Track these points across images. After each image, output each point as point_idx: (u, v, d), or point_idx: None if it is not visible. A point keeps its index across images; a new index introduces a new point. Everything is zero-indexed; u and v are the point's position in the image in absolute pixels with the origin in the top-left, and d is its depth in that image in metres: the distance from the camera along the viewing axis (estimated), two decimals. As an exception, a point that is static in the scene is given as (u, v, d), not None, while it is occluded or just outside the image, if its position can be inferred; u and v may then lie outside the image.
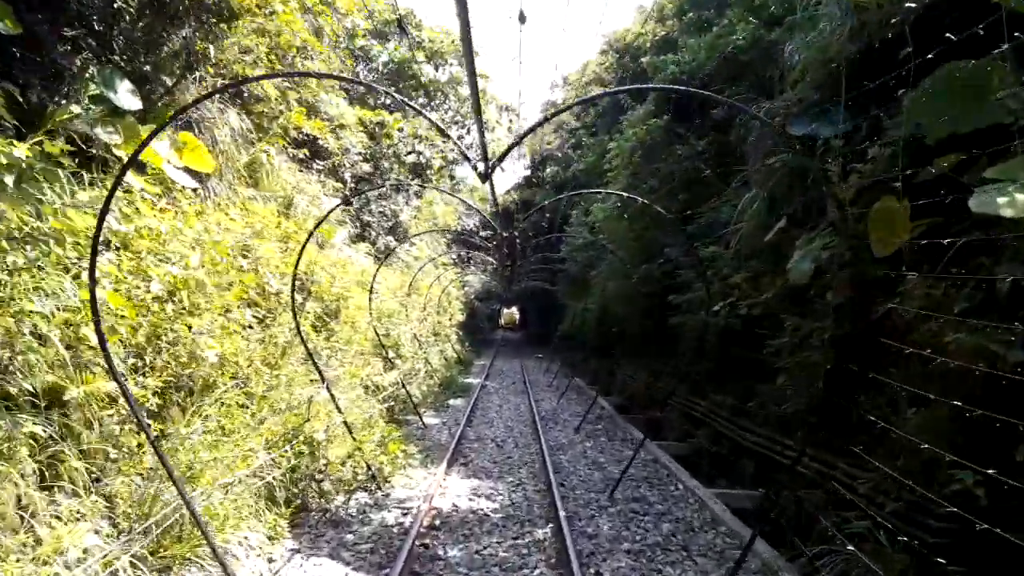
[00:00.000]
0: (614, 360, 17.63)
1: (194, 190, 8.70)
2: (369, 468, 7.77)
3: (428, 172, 21.14)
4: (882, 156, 6.37)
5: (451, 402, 15.32)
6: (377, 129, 18.45)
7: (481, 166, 5.15)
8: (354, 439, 7.72)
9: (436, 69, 21.39)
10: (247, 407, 6.96)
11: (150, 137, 3.88)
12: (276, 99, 13.10)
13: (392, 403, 11.63)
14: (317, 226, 7.89)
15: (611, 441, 11.49)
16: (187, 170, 8.82)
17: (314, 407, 7.88)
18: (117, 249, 5.82)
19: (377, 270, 12.22)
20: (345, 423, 7.68)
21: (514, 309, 75.89)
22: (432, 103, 22.12)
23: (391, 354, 12.17)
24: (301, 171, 14.27)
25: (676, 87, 11.13)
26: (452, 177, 22.93)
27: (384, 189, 18.25)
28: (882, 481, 5.86)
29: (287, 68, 13.15)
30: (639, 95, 15.59)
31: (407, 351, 14.16)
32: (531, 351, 37.77)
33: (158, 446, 4.26)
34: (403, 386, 11.96)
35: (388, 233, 20.00)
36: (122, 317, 5.03)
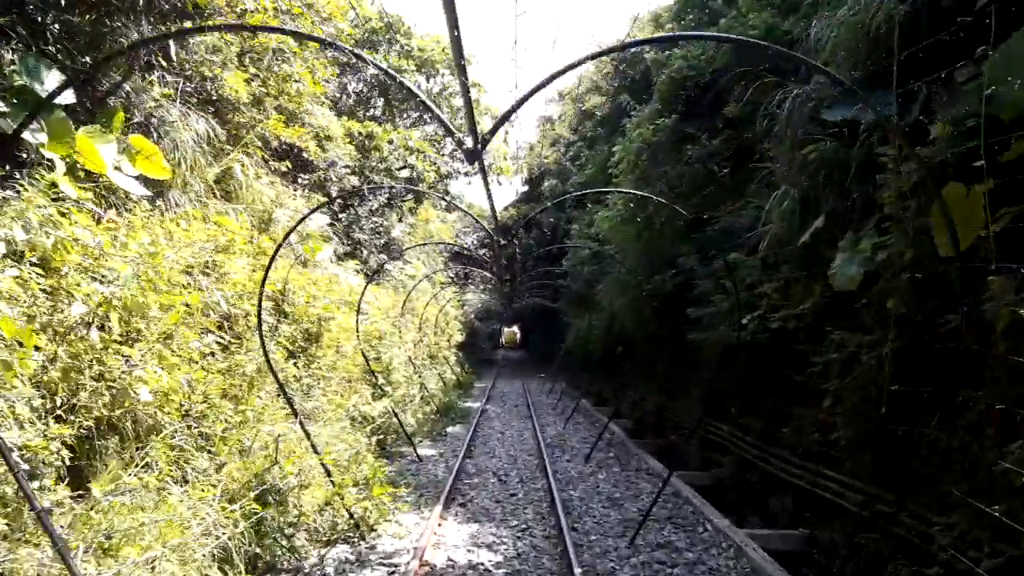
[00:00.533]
0: (622, 379, 16.56)
1: (152, 201, 7.74)
2: (351, 516, 6.68)
3: (421, 186, 20.19)
4: (945, 135, 5.34)
5: (450, 430, 14.22)
6: (366, 142, 17.54)
7: (469, 141, 4.14)
8: (333, 483, 6.64)
9: (427, 79, 20.55)
10: (207, 450, 5.92)
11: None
12: (250, 103, 12.18)
13: (383, 435, 10.56)
14: (287, 236, 6.90)
15: (625, 471, 10.40)
16: (143, 179, 7.90)
17: (286, 446, 6.82)
18: (33, 264, 4.79)
19: (365, 288, 11.19)
20: (323, 464, 6.61)
21: (515, 328, 74.75)
22: (424, 116, 21.24)
23: (381, 380, 11.09)
24: (284, 185, 13.32)
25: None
26: (447, 192, 22.00)
27: (375, 195, 17.26)
28: (971, 528, 4.80)
29: (263, 73, 12.26)
30: (644, 92, 14.67)
31: (400, 376, 13.10)
32: (533, 370, 36.61)
33: (44, 516, 3.22)
34: (395, 415, 10.89)
35: (381, 251, 19.02)
36: (20, 346, 3.99)
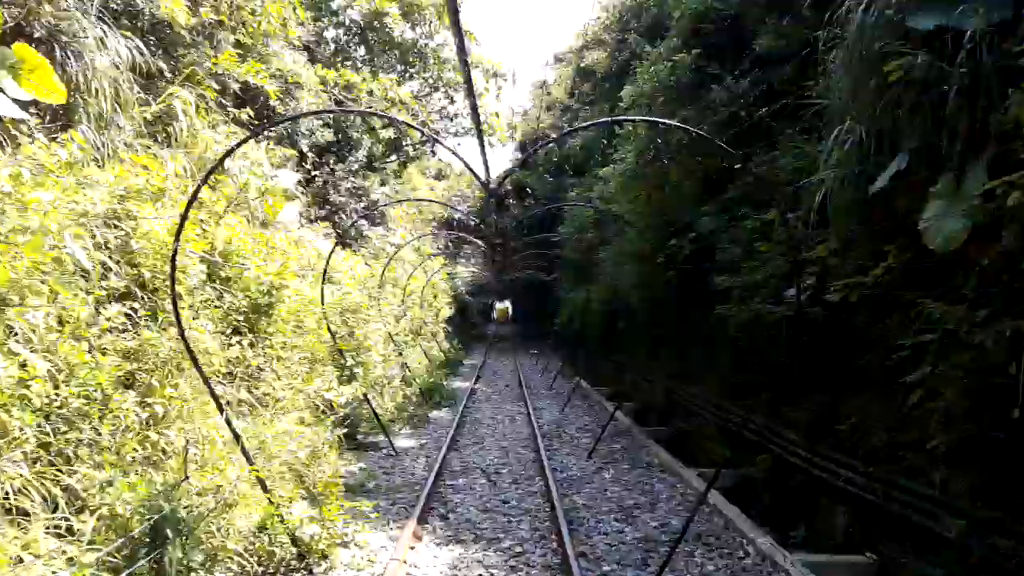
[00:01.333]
0: (624, 359, 15.09)
1: (54, 138, 6.10)
2: (295, 542, 5.15)
3: (407, 147, 18.49)
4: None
5: (434, 415, 12.72)
6: (344, 95, 15.76)
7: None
8: (271, 500, 5.10)
9: (413, 28, 18.69)
10: (91, 462, 4.36)
11: None
12: (201, 36, 10.46)
13: (351, 425, 9.03)
14: (211, 172, 5.27)
15: (635, 468, 8.93)
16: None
17: (212, 452, 5.27)
18: None
19: (331, 252, 9.57)
20: (258, 478, 5.06)
21: (507, 303, 73.31)
22: (410, 70, 19.41)
23: (351, 360, 9.52)
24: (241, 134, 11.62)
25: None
26: (434, 153, 20.28)
27: (353, 152, 15.56)
28: None
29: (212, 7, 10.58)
30: (657, 32, 12.97)
31: (377, 355, 11.53)
32: (525, 346, 35.18)
33: None
34: (367, 401, 9.35)
35: (362, 217, 17.34)
36: None
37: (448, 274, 32.01)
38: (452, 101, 20.13)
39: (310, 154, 14.08)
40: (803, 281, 6.68)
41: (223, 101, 11.31)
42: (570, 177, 25.84)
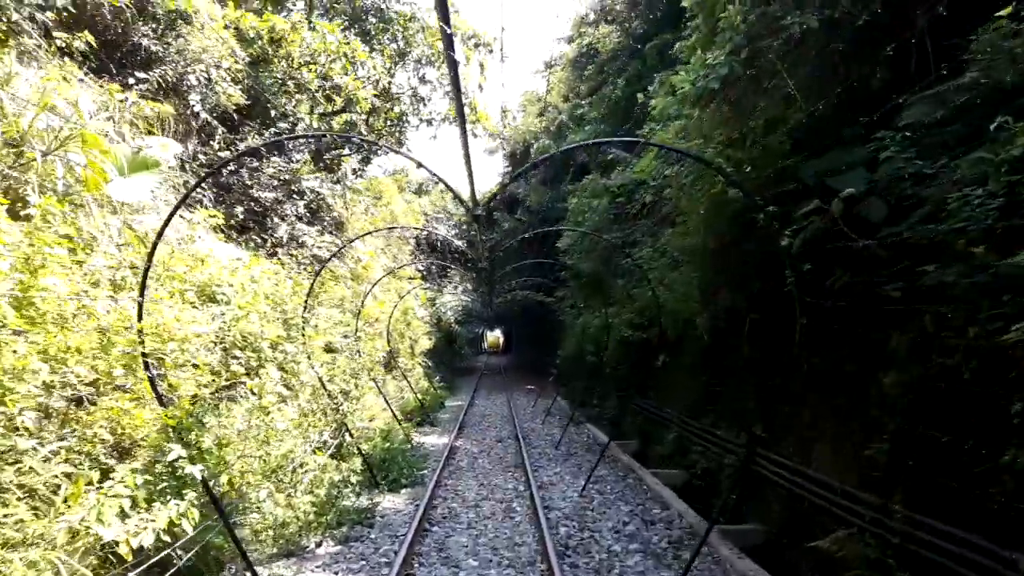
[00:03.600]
0: (675, 410, 10.78)
1: None
2: None
3: (362, 120, 14.28)
4: None
5: (385, 505, 8.27)
6: (270, 50, 11.58)
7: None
8: None
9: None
10: None
11: None
12: None
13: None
14: None
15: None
16: None
17: None
18: None
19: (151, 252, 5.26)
20: None
21: (498, 332, 68.91)
22: (374, 39, 15.27)
23: (179, 453, 5.07)
24: (84, 78, 7.39)
25: None
26: (400, 142, 15.99)
27: (277, 129, 11.23)
28: None
29: None
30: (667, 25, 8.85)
31: (285, 420, 7.14)
32: (519, 380, 30.73)
33: None
34: (226, 524, 4.91)
35: (307, 222, 13.07)
36: None
37: (428, 299, 27.70)
38: (423, 80, 15.99)
39: (208, 118, 9.82)
40: None
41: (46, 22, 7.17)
42: (571, 182, 21.82)
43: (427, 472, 9.98)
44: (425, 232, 32.53)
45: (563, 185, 23.35)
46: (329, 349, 11.50)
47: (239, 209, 11.54)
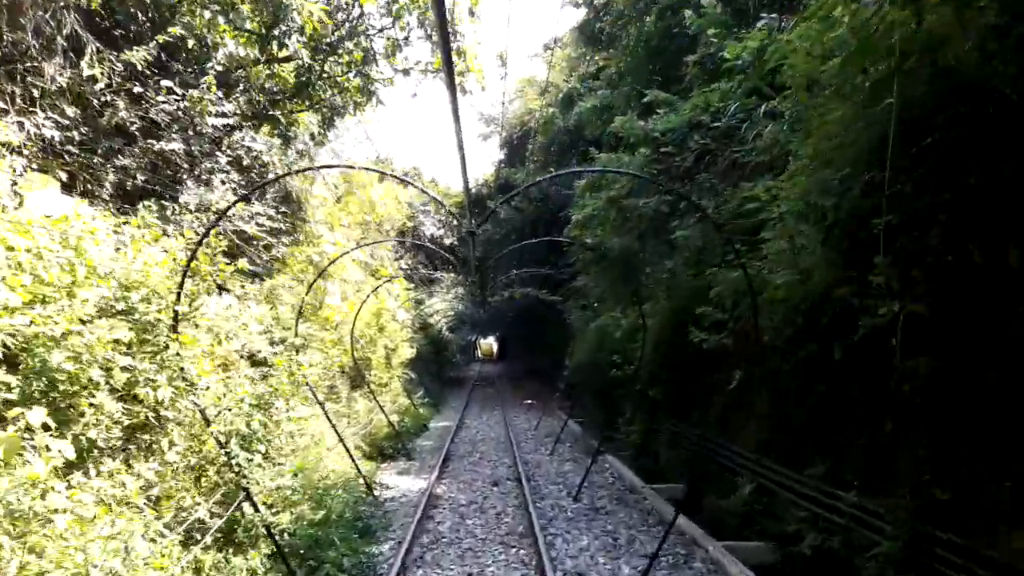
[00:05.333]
0: (746, 446, 7.39)
1: None
2: None
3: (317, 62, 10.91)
4: None
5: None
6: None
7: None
8: None
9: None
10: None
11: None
12: None
13: None
14: None
15: None
16: None
17: None
18: None
19: None
20: None
21: (491, 339, 65.41)
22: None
23: None
24: None
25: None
26: (372, 94, 12.57)
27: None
28: None
29: None
30: None
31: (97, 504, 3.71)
32: (515, 392, 27.32)
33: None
34: None
35: (250, 190, 9.66)
36: None
37: (414, 301, 24.30)
38: (395, 17, 12.56)
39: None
40: None
41: None
42: (577, 164, 18.52)
43: (385, 552, 6.54)
44: (412, 222, 29.12)
45: (571, 161, 20.03)
46: (255, 363, 8.10)
47: (128, 168, 8.13)
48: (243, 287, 8.84)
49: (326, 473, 8.39)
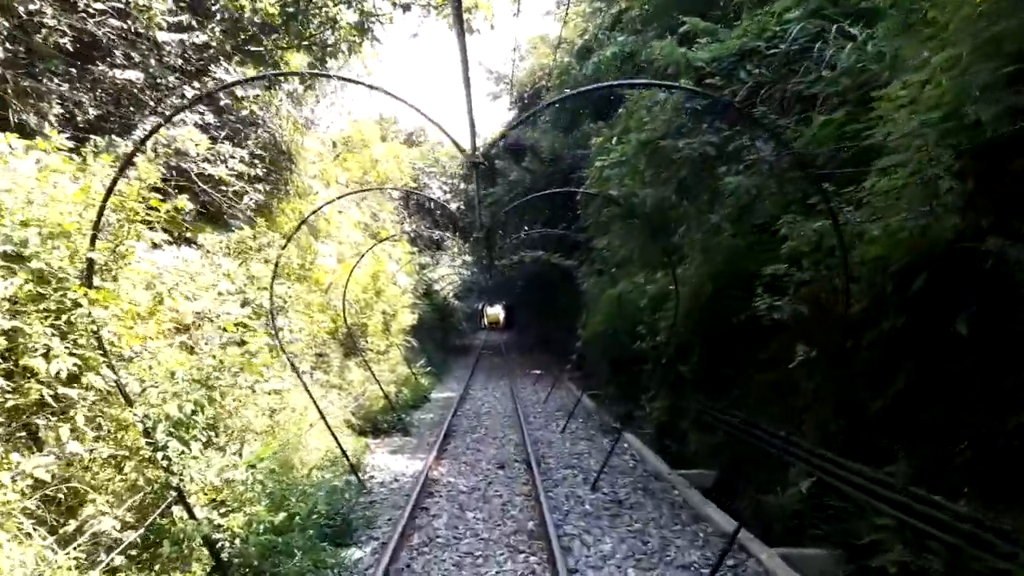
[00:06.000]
0: (805, 436, 6.18)
1: None
2: None
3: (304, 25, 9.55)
4: None
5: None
6: None
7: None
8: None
9: None
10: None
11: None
12: None
13: None
14: None
15: None
16: None
17: None
18: None
19: None
20: None
21: (498, 308, 64.20)
22: None
23: None
24: None
25: None
26: (364, 29, 11.16)
27: None
28: None
29: None
30: None
31: None
32: (522, 361, 26.22)
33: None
34: None
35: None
36: None
37: (417, 266, 23.12)
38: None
39: None
40: None
41: None
42: (592, 121, 17.11)
43: (365, 558, 5.41)
44: (416, 184, 27.74)
45: (586, 124, 18.54)
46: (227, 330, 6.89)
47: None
48: (213, 235, 7.60)
49: (307, 454, 7.25)
